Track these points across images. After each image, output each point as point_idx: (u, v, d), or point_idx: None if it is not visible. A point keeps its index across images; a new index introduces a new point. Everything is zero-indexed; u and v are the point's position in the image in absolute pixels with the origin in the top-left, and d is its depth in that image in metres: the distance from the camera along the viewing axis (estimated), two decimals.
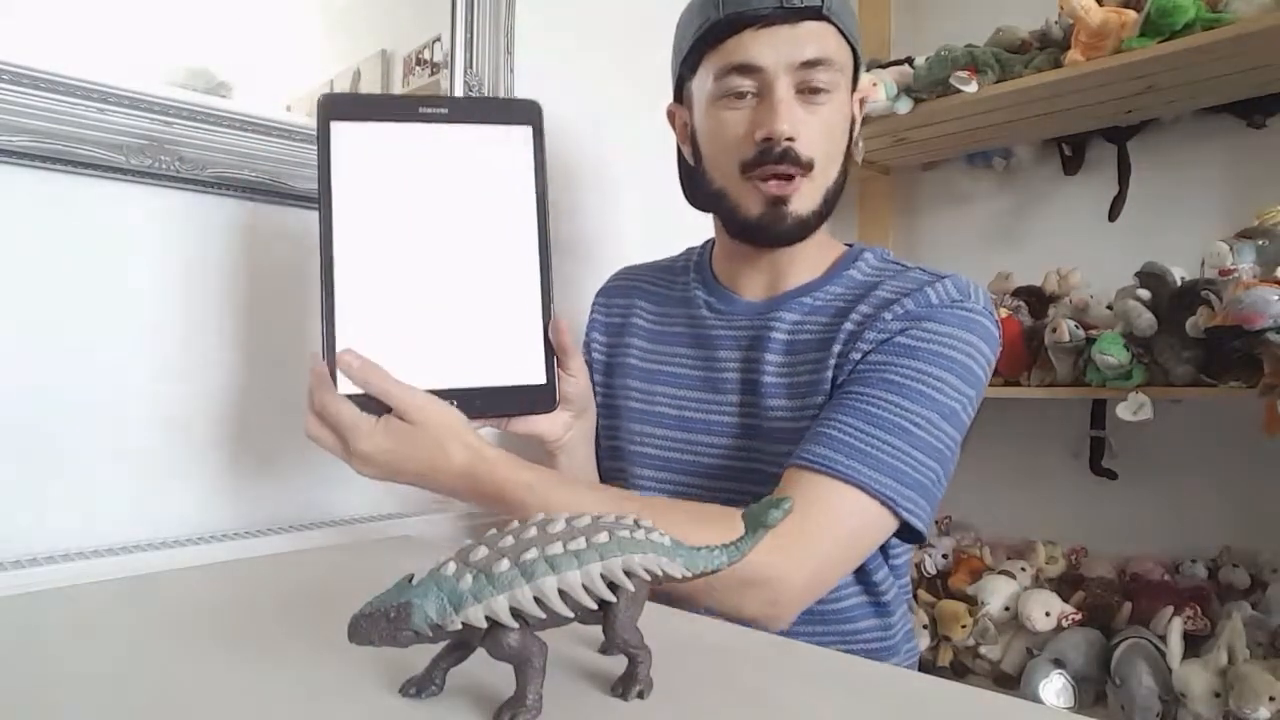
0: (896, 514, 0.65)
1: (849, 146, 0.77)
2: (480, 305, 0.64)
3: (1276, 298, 1.06)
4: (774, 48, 0.70)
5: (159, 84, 0.77)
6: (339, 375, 0.60)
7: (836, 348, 0.72)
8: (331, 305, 0.60)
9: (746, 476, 0.76)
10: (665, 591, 0.61)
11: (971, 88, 1.36)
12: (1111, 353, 1.25)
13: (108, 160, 0.73)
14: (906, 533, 0.68)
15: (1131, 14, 1.23)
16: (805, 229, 0.75)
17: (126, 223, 0.76)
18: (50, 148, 0.70)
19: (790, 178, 0.72)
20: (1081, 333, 1.33)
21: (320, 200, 0.60)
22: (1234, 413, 1.36)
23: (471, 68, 1.01)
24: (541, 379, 0.65)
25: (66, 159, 0.71)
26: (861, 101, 0.80)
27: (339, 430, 0.60)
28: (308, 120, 0.87)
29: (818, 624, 0.74)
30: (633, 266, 0.96)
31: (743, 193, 0.74)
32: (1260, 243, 1.19)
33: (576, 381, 0.69)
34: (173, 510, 0.79)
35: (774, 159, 0.71)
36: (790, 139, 0.71)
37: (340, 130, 0.61)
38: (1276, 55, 1.18)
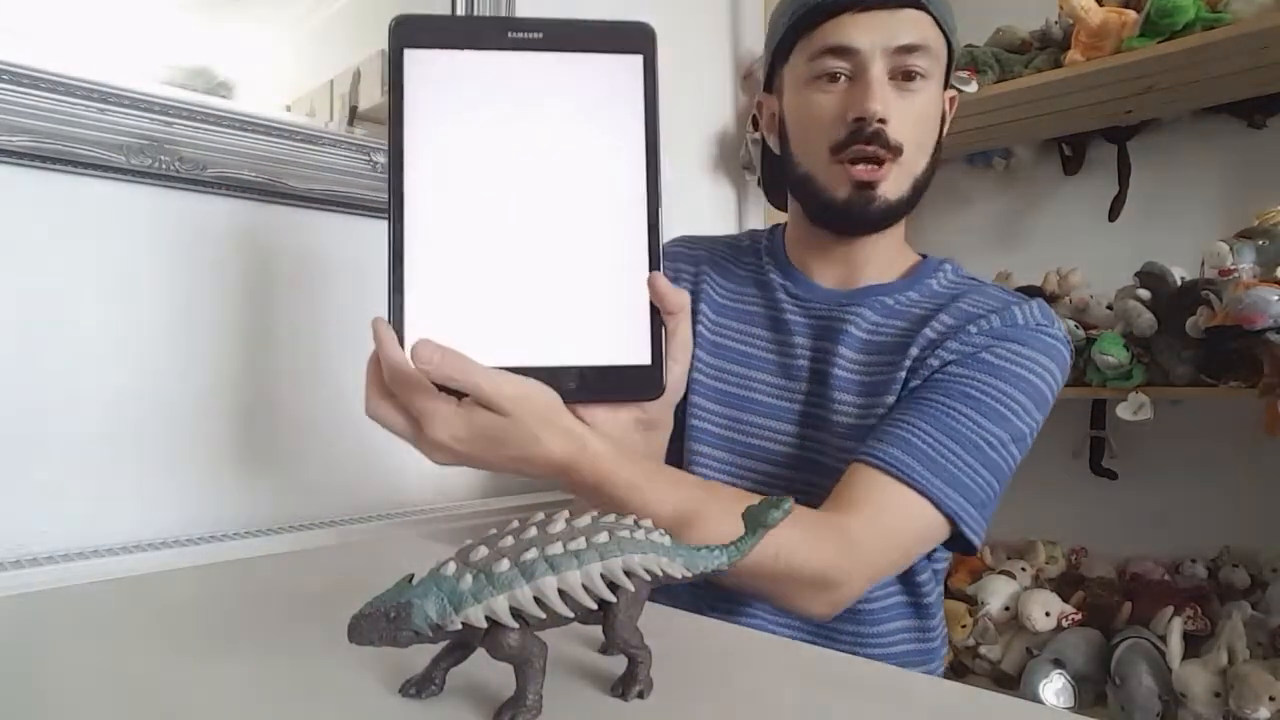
0: (960, 530, 0.66)
1: (939, 140, 0.76)
2: (577, 272, 0.53)
3: (1276, 298, 1.06)
4: (870, 31, 0.70)
5: (159, 84, 0.77)
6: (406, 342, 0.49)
7: (913, 351, 0.71)
8: (401, 266, 0.50)
9: (806, 466, 0.75)
10: (742, 589, 0.61)
11: (971, 88, 1.36)
12: (1111, 353, 1.25)
13: (108, 160, 0.73)
14: (958, 544, 0.68)
15: (1131, 14, 1.23)
16: (891, 216, 0.75)
17: (126, 223, 0.76)
18: (50, 148, 0.70)
19: (880, 163, 0.71)
20: (1081, 333, 1.33)
21: (390, 145, 0.51)
22: (1234, 413, 1.36)
23: None
24: (646, 359, 0.53)
25: (66, 159, 0.71)
26: (952, 100, 0.79)
27: (412, 413, 0.51)
28: (308, 120, 0.87)
29: (849, 621, 0.73)
30: (693, 236, 0.92)
31: (831, 176, 0.73)
32: (1260, 243, 1.19)
33: (672, 368, 0.54)
34: (173, 510, 0.79)
35: (864, 139, 0.71)
36: (882, 120, 0.70)
37: (415, 60, 0.52)
38: (1276, 55, 1.18)
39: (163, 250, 0.78)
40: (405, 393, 0.50)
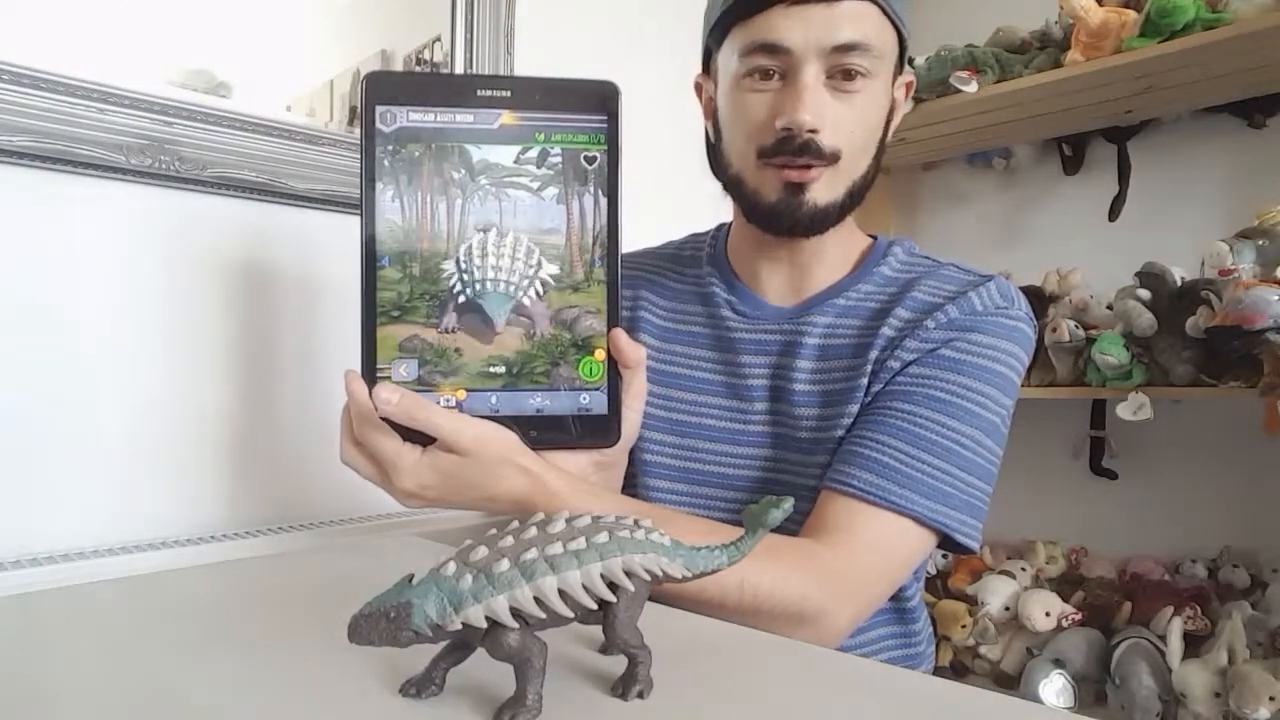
0: (952, 538, 0.65)
1: (884, 137, 0.71)
2: (538, 323, 0.56)
3: (1276, 298, 1.06)
4: (805, 28, 0.64)
5: (159, 84, 0.77)
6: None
7: (873, 354, 0.68)
8: (372, 316, 0.54)
9: (775, 488, 0.71)
10: (717, 614, 0.59)
11: (971, 88, 1.36)
12: (1111, 353, 1.25)
13: (108, 160, 0.73)
14: (955, 547, 0.67)
15: (1131, 14, 1.23)
16: (823, 220, 0.69)
17: (126, 223, 0.76)
18: (50, 148, 0.70)
19: (809, 167, 0.67)
20: (1081, 333, 1.33)
21: (363, 202, 0.54)
22: (1234, 413, 1.36)
23: (471, 68, 1.01)
24: (603, 409, 0.57)
25: (66, 159, 0.71)
26: (908, 86, 0.73)
27: (379, 463, 0.54)
28: (308, 120, 0.87)
29: None
30: (630, 254, 0.87)
31: (761, 180, 0.69)
32: (1260, 243, 1.19)
33: (627, 415, 0.58)
34: (171, 510, 0.79)
35: (793, 150, 0.66)
36: (813, 130, 0.65)
37: (385, 115, 0.54)
38: (1276, 55, 1.18)
39: (163, 250, 0.78)
40: (371, 440, 0.53)
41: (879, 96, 0.68)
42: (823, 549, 0.62)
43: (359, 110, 0.53)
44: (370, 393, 0.52)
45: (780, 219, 0.70)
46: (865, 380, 0.68)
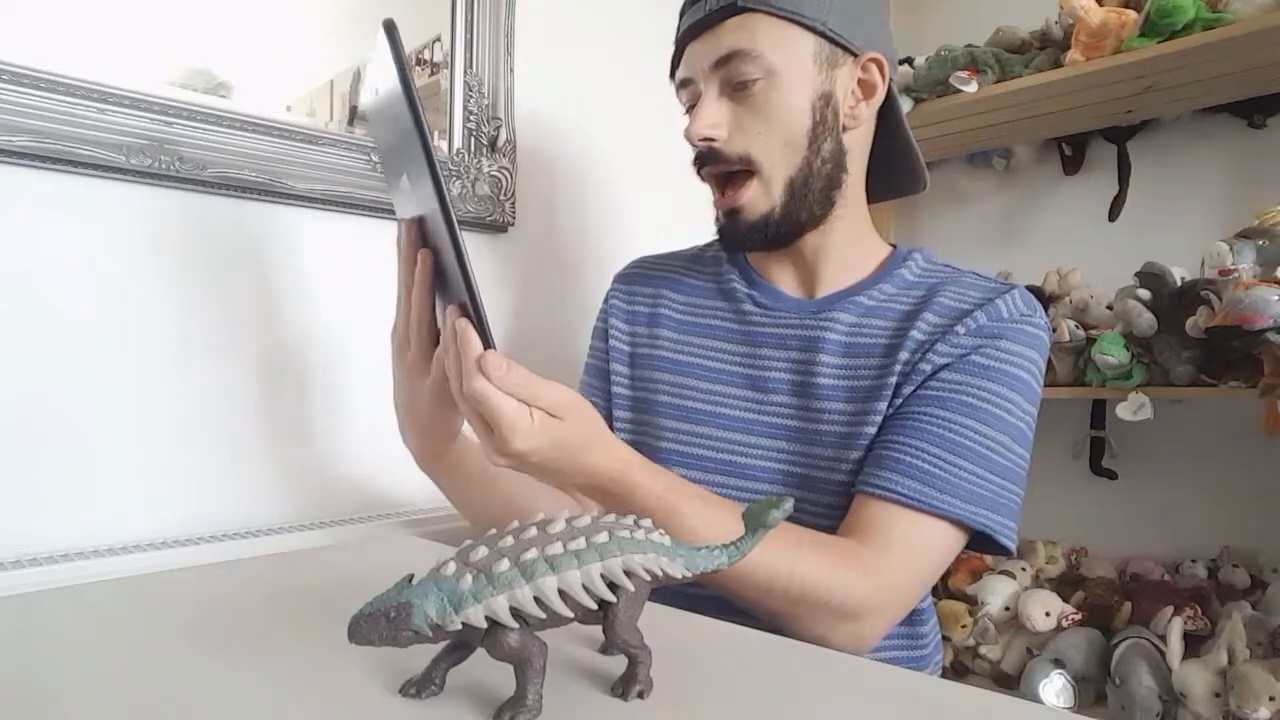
0: (995, 540, 0.66)
1: (823, 126, 0.71)
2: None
3: (1276, 298, 1.06)
4: (695, 56, 0.72)
5: (159, 84, 0.77)
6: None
7: (903, 355, 0.70)
8: (472, 282, 0.49)
9: (791, 481, 0.73)
10: (758, 608, 0.61)
11: (971, 88, 1.36)
12: (1111, 353, 1.25)
13: (108, 160, 0.73)
14: (990, 548, 0.68)
15: (1131, 14, 1.23)
16: (763, 230, 0.73)
17: (126, 223, 0.76)
18: (50, 148, 0.70)
19: (728, 187, 0.73)
20: (1081, 333, 1.33)
21: (430, 165, 0.47)
22: (1234, 413, 1.36)
23: (471, 68, 1.01)
24: None
25: (66, 159, 0.71)
26: (877, 64, 0.72)
27: (496, 425, 0.52)
28: (308, 120, 0.87)
29: None
30: (652, 256, 0.92)
31: (711, 197, 0.76)
32: (1260, 243, 1.19)
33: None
34: (173, 510, 0.79)
35: (702, 159, 0.73)
36: (709, 139, 0.71)
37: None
38: (1276, 55, 1.18)
39: (163, 250, 0.78)
40: (490, 399, 0.51)
41: (789, 94, 0.70)
42: (866, 551, 0.63)
43: (396, 64, 0.47)
44: (481, 357, 0.50)
45: (725, 242, 0.77)
46: (894, 380, 0.70)
